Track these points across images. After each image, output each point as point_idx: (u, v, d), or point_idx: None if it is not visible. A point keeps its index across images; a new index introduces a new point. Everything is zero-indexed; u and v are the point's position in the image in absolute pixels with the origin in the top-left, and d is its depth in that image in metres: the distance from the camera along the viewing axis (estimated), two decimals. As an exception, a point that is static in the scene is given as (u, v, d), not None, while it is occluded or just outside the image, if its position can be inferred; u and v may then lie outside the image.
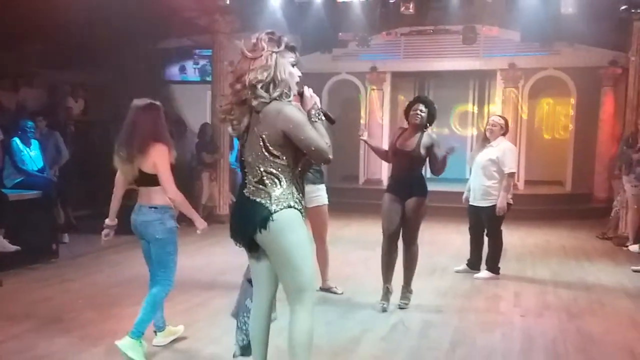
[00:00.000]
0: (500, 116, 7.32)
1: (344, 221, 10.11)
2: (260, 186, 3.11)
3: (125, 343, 4.16)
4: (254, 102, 3.08)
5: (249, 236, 3.16)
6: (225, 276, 6.59)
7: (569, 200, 12.17)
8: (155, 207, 4.26)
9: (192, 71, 13.41)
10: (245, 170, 3.22)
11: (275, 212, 3.07)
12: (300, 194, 3.21)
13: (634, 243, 8.31)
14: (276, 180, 3.10)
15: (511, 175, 6.69)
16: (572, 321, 5.31)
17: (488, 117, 7.37)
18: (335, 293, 5.93)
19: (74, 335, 4.73)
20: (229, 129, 3.26)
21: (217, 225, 10.14)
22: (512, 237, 8.43)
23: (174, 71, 13.46)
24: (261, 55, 3.07)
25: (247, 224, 3.14)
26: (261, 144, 3.07)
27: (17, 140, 7.88)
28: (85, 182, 10.07)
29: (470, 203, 6.91)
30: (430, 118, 5.51)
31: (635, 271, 7.05)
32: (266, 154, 3.08)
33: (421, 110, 5.44)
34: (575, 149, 12.44)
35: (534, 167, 13.09)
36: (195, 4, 9.87)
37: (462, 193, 7.19)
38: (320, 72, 12.27)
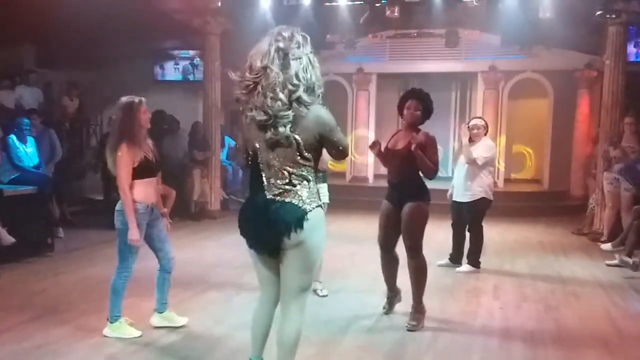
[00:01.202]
0: (480, 118, 7.42)
1: (331, 217, 9.99)
2: (288, 187, 2.96)
3: (107, 330, 4.50)
4: (300, 107, 2.91)
5: (279, 238, 2.94)
6: (217, 269, 6.59)
7: (546, 198, 12.26)
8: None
9: (180, 70, 13.38)
10: (264, 173, 3.01)
11: (309, 211, 2.95)
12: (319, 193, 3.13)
13: (608, 240, 8.38)
14: (304, 181, 2.98)
15: (475, 160, 6.59)
16: (549, 313, 5.36)
17: (469, 120, 7.35)
18: (317, 295, 5.58)
19: (69, 326, 4.71)
20: (269, 133, 2.93)
21: (208, 220, 10.17)
22: (492, 232, 8.48)
23: (165, 70, 13.41)
24: (301, 56, 2.95)
25: (279, 225, 2.92)
26: (295, 147, 2.92)
27: (13, 137, 7.84)
28: (80, 178, 10.02)
29: (454, 199, 6.96)
30: (427, 113, 4.81)
31: (609, 265, 7.11)
32: (299, 157, 2.95)
33: (415, 108, 4.75)
34: (552, 148, 12.53)
35: (513, 166, 13.18)
36: (187, 6, 9.82)
37: (444, 190, 7.24)
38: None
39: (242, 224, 3.12)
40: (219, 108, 10.67)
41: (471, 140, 6.84)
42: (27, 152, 7.94)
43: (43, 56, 11.22)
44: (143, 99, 4.47)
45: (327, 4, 10.55)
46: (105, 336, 4.50)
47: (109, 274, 6.37)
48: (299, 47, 2.95)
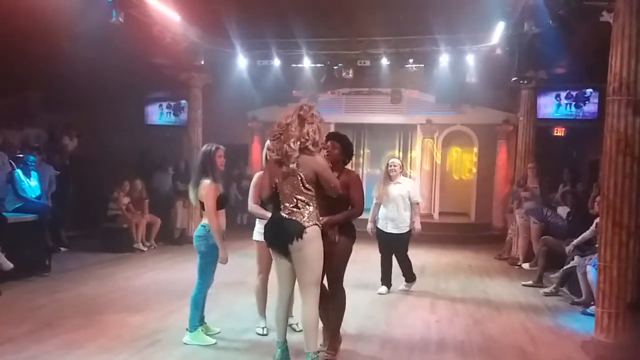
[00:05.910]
0: (397, 158, 7.19)
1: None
2: (295, 209, 3.66)
3: (187, 338, 4.43)
4: (305, 153, 3.62)
5: (286, 244, 3.63)
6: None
7: (473, 228, 12.42)
8: (203, 226, 4.42)
9: (166, 116, 13.29)
10: (280, 198, 3.71)
11: (308, 227, 3.63)
12: (320, 215, 3.75)
13: (525, 262, 8.52)
14: (307, 205, 3.67)
15: (418, 203, 6.75)
16: (476, 326, 5.38)
17: (388, 159, 6.86)
18: (294, 330, 4.76)
19: (63, 339, 4.50)
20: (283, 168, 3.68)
21: (189, 245, 9.84)
22: (429, 257, 8.52)
23: (154, 115, 13.29)
24: (313, 122, 3.69)
25: (286, 235, 3.63)
26: (299, 180, 3.63)
27: (19, 171, 7.58)
28: (77, 208, 9.70)
29: (386, 231, 6.50)
30: (345, 151, 4.38)
31: (524, 285, 7.21)
32: (302, 187, 3.65)
33: (332, 147, 4.25)
34: (477, 187, 12.77)
35: (445, 201, 13.38)
36: (175, 63, 9.80)
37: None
38: (277, 122, 12.26)
39: (266, 231, 3.84)
40: (200, 148, 10.54)
41: (391, 178, 6.52)
42: (31, 185, 7.67)
43: (47, 100, 10.95)
44: (221, 146, 4.56)
45: (294, 65, 10.70)
46: (185, 343, 4.42)
47: (100, 291, 6.21)
48: (312, 117, 3.71)
